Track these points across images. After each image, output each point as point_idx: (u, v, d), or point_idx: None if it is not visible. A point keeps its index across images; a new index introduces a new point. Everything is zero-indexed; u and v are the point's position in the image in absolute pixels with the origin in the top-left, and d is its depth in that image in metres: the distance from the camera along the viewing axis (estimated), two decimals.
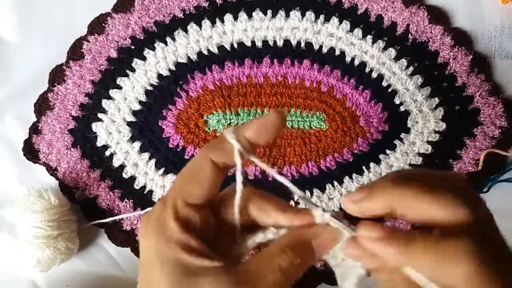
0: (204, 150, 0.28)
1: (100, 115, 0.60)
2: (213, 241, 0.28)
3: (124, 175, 0.60)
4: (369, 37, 0.61)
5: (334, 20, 0.61)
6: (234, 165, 0.28)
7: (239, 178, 0.28)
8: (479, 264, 0.24)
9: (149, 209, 0.58)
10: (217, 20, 0.61)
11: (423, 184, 0.26)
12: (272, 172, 0.29)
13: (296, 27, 0.61)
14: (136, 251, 0.60)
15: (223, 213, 0.29)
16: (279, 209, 0.29)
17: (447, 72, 0.61)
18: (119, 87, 0.61)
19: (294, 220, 0.28)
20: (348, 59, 0.61)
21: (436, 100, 0.61)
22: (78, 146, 0.60)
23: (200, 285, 0.26)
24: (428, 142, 0.61)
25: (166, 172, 0.60)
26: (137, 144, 0.60)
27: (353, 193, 0.27)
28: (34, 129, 0.60)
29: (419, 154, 0.61)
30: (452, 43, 0.61)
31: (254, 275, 0.26)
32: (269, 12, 0.61)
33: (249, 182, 0.29)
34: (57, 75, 0.60)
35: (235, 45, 0.61)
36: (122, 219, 0.59)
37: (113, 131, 0.60)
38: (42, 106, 0.60)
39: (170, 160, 0.60)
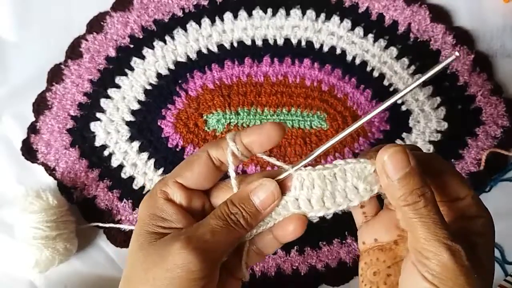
0: (206, 145, 0.34)
1: (98, 115, 0.60)
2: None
3: (122, 175, 0.60)
4: (370, 36, 0.60)
5: (335, 18, 0.61)
6: (227, 163, 0.33)
7: (232, 173, 0.33)
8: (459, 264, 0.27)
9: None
10: (217, 19, 0.61)
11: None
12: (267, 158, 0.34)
13: (297, 25, 0.61)
14: None
15: (213, 197, 0.35)
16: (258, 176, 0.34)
17: (448, 71, 0.61)
18: (118, 86, 0.60)
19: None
20: (349, 58, 0.61)
21: (438, 99, 0.60)
22: (77, 146, 0.60)
23: (163, 243, 0.31)
24: (430, 141, 0.60)
25: (165, 172, 0.60)
26: (136, 144, 0.60)
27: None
28: (32, 129, 0.60)
29: None
30: (454, 42, 0.60)
31: (202, 222, 0.32)
32: (269, 10, 0.61)
33: None
34: (55, 74, 0.60)
35: (235, 44, 0.61)
36: (121, 219, 0.59)
37: (111, 130, 0.60)
38: (41, 105, 0.60)
39: (169, 160, 0.59)
